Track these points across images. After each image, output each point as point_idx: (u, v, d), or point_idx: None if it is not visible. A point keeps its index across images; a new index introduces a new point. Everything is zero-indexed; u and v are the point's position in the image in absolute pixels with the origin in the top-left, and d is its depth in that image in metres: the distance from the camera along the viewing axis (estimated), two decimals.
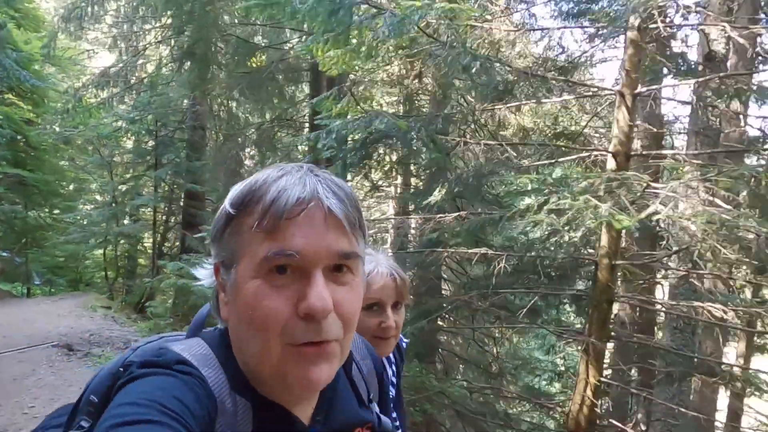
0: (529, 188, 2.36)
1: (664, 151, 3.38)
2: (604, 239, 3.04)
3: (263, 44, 10.14)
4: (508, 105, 3.15)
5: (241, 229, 0.61)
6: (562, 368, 8.57)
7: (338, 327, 0.61)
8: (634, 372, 8.02)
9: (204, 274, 0.69)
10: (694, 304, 3.68)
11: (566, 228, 2.09)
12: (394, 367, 1.45)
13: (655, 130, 4.95)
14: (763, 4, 5.66)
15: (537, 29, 3.15)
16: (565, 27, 3.40)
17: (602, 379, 3.22)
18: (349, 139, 2.49)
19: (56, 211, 15.76)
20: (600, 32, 3.20)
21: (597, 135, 7.17)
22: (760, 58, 6.91)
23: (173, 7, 7.64)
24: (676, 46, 7.17)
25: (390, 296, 1.31)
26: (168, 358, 0.60)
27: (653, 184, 2.27)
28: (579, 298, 4.05)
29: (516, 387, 7.91)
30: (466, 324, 6.28)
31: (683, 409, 6.57)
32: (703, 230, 2.55)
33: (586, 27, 3.25)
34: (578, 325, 5.89)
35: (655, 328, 8.44)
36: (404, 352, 1.53)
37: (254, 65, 9.91)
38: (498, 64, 2.88)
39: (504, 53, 2.81)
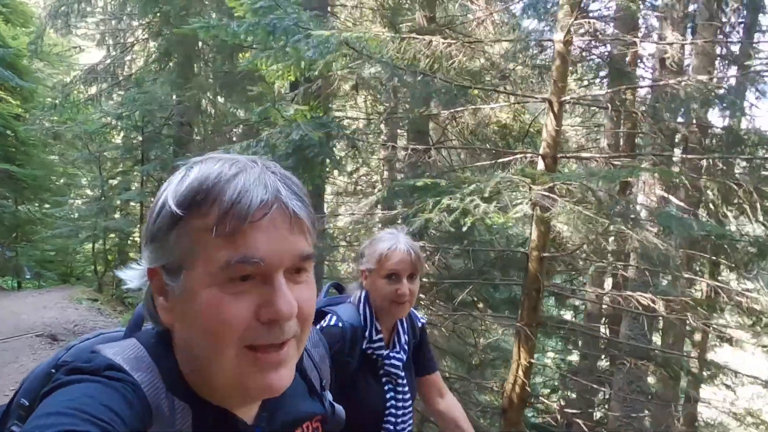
0: (440, 189, 2.66)
1: (584, 154, 3.69)
2: (534, 234, 3.36)
3: (246, 44, 10.39)
4: (451, 110, 3.45)
5: (191, 232, 0.57)
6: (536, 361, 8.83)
7: (296, 325, 0.60)
8: (605, 362, 8.40)
9: (131, 275, 0.65)
10: (623, 294, 3.98)
11: (454, 223, 2.39)
12: (406, 336, 1.62)
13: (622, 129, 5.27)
14: (716, 7, 5.93)
15: (474, 41, 3.43)
16: (497, 40, 3.68)
17: (532, 360, 3.54)
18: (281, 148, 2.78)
19: (47, 206, 16.00)
20: (530, 46, 3.49)
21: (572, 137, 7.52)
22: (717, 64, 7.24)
23: (152, 10, 7.88)
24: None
25: (406, 268, 1.50)
26: (96, 364, 0.58)
27: (534, 187, 2.56)
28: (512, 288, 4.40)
29: (495, 378, 8.21)
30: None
31: (641, 398, 6.96)
32: (573, 229, 2.86)
33: (519, 40, 3.54)
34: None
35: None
36: (419, 330, 1.69)
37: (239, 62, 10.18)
38: (439, 75, 3.19)
39: (446, 64, 3.09)
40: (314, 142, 2.44)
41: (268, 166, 0.60)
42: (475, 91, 3.61)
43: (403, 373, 1.56)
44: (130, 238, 14.39)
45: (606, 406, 7.65)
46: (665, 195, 6.36)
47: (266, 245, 0.56)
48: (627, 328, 7.12)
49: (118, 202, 13.21)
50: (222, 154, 0.62)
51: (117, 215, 14.26)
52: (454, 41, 3.19)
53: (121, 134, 13.89)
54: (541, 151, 3.40)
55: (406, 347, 1.60)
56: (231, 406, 0.63)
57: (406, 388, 1.57)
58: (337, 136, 2.78)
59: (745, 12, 6.88)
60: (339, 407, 0.80)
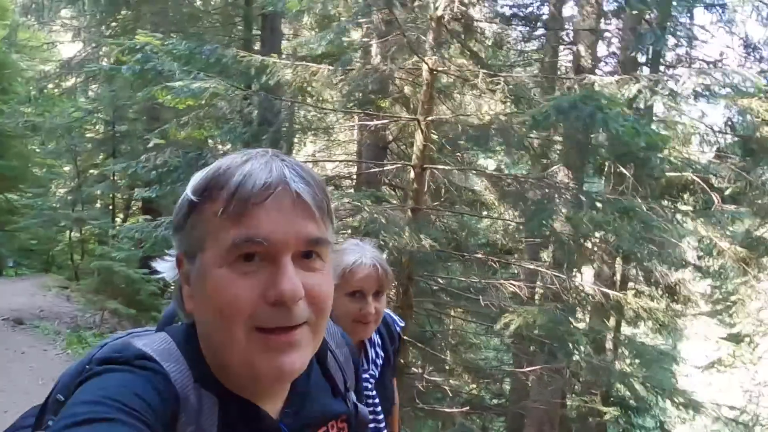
0: None
1: (440, 166, 4.37)
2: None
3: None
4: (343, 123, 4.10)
5: (204, 216, 0.60)
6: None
7: (309, 311, 0.60)
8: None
9: (166, 266, 0.68)
10: (501, 281, 4.67)
11: None
12: (378, 348, 1.56)
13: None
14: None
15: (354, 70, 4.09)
16: (378, 69, 4.33)
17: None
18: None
19: (29, 195, 16.53)
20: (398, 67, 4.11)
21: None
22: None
23: (114, 13, 8.41)
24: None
25: (372, 286, 1.42)
26: (128, 354, 0.60)
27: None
28: None
29: (457, 362, 8.83)
30: None
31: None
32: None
33: (397, 68, 4.18)
34: None
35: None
36: (396, 334, 1.64)
37: None
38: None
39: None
40: (179, 165, 3.11)
41: (278, 155, 0.62)
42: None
43: (373, 392, 1.49)
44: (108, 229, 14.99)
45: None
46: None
47: (270, 225, 0.57)
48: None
49: (99, 192, 13.77)
50: (246, 150, 0.65)
51: (98, 205, 14.86)
52: (336, 69, 3.85)
53: (97, 128, 14.44)
54: (412, 162, 4.09)
55: (378, 361, 1.54)
56: (254, 397, 0.64)
57: (378, 408, 1.51)
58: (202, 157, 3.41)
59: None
60: (363, 408, 0.80)
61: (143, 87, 3.81)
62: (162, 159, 3.15)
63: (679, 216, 8.35)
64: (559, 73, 5.52)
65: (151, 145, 3.46)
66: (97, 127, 14.13)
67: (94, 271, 8.12)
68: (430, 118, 3.97)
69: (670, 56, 9.28)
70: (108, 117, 12.26)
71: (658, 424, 11.93)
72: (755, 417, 13.50)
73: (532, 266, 4.22)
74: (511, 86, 3.50)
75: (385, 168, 4.23)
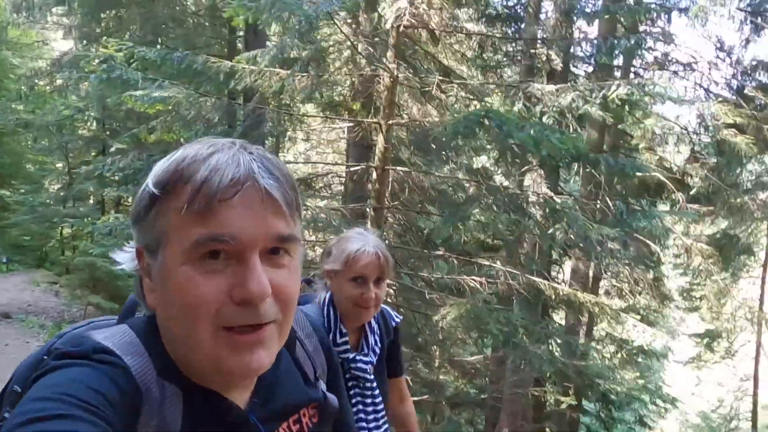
0: None
1: (399, 168, 4.60)
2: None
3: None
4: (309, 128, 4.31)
5: (167, 211, 0.58)
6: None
7: (276, 309, 0.60)
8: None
9: (124, 257, 0.66)
10: (463, 277, 4.89)
11: None
12: (377, 336, 1.59)
13: None
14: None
15: (325, 80, 4.30)
16: (350, 74, 4.53)
17: None
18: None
19: (21, 191, 16.67)
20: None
21: None
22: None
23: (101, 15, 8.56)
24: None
25: (373, 272, 1.47)
26: (85, 348, 0.59)
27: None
28: None
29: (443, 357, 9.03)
30: None
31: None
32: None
33: (363, 74, 4.38)
34: None
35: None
36: (393, 328, 1.67)
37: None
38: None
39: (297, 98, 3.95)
40: (141, 167, 3.31)
41: (245, 147, 0.60)
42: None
43: (371, 377, 1.52)
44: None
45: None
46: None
47: (237, 223, 0.56)
48: (519, 308, 8.11)
49: (91, 189, 13.94)
50: (209, 138, 0.63)
51: (91, 201, 15.03)
52: (304, 75, 4.06)
53: (88, 125, 14.60)
54: (374, 164, 4.30)
55: (376, 349, 1.57)
56: (220, 389, 0.64)
57: (377, 392, 1.53)
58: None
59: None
60: (332, 396, 0.80)
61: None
62: (125, 162, 3.35)
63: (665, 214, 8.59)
64: (519, 78, 5.73)
65: (113, 149, 3.66)
66: (88, 124, 14.30)
67: (79, 267, 8.31)
68: (390, 122, 4.19)
69: (649, 57, 9.55)
70: (98, 115, 12.42)
71: (637, 418, 12.20)
72: (733, 410, 13.83)
73: (486, 263, 4.44)
74: (462, 94, 3.71)
75: (351, 168, 4.45)
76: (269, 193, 0.58)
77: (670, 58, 9.06)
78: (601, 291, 12.12)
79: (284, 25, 3.39)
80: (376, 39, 4.24)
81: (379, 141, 4.23)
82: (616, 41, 4.33)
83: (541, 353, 4.28)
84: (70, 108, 12.60)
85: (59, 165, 16.57)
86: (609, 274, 9.13)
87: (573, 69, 9.47)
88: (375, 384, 1.52)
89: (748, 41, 8.66)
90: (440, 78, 3.95)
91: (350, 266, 1.47)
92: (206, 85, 4.15)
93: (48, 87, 13.82)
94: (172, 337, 0.62)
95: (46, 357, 0.63)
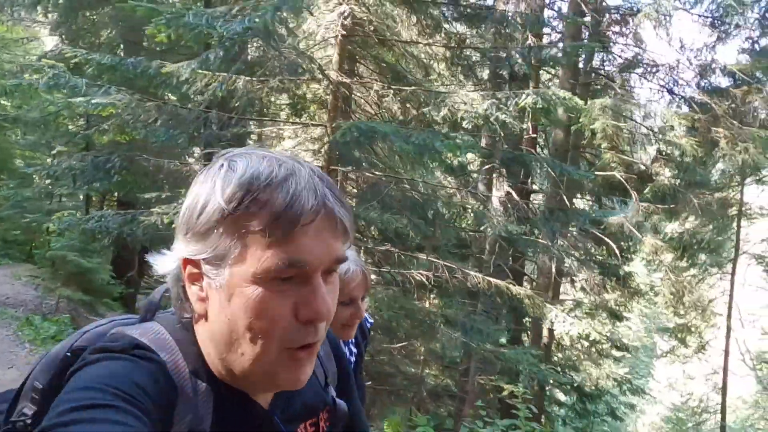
0: None
1: (340, 168, 4.85)
2: None
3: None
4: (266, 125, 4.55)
5: (239, 229, 0.59)
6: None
7: (325, 327, 0.64)
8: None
9: (162, 261, 0.67)
10: (410, 271, 5.14)
11: None
12: (352, 346, 1.63)
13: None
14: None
15: (277, 88, 4.54)
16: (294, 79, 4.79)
17: None
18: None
19: (11, 185, 16.82)
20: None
21: None
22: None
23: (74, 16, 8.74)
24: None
25: (361, 291, 1.50)
26: (124, 343, 0.61)
27: None
28: None
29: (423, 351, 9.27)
30: None
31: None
32: None
33: (310, 78, 4.63)
34: None
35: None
36: (367, 331, 1.72)
37: None
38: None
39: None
40: (84, 168, 3.58)
41: (314, 170, 0.63)
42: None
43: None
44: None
45: None
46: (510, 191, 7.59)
47: (312, 250, 0.59)
48: (483, 303, 8.36)
49: (55, 188, 14.05)
50: (265, 150, 0.64)
51: (81, 197, 15.19)
52: (257, 80, 4.29)
53: (75, 121, 14.75)
54: (320, 164, 4.55)
55: (352, 359, 1.62)
56: (251, 392, 0.67)
57: None
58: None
59: None
60: (340, 402, 0.82)
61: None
62: (68, 163, 3.59)
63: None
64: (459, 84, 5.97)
65: (55, 152, 3.89)
66: (74, 120, 14.44)
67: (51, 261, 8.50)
68: (334, 125, 4.44)
69: (622, 57, 9.81)
70: (81, 111, 12.57)
71: (609, 410, 12.50)
72: (702, 402, 14.17)
73: (425, 258, 4.70)
74: (398, 98, 3.95)
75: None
76: (341, 222, 0.61)
77: (639, 58, 9.33)
78: (577, 287, 12.45)
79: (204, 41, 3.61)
80: (313, 48, 4.46)
81: (324, 143, 4.48)
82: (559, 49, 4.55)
83: (455, 339, 4.53)
84: (54, 104, 12.76)
85: (48, 161, 16.74)
86: (568, 270, 9.39)
87: (544, 70, 9.76)
88: None
89: (710, 45, 8.93)
90: (378, 83, 4.20)
91: (341, 290, 1.36)
92: (164, 89, 4.37)
93: (33, 83, 13.95)
94: (221, 346, 0.63)
95: (69, 354, 0.66)
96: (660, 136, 6.46)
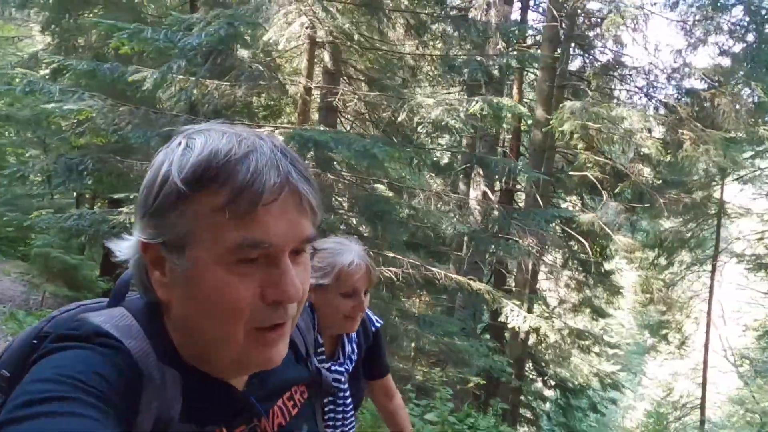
0: None
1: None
2: None
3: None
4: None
5: (198, 209, 0.57)
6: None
7: (295, 306, 0.62)
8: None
9: (123, 246, 0.65)
10: (381, 268, 5.36)
11: None
12: (354, 344, 1.60)
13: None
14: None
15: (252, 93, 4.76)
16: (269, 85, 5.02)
17: None
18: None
19: (4, 183, 16.94)
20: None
21: None
22: None
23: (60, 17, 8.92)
24: None
25: (364, 284, 1.49)
26: (86, 330, 0.59)
27: None
28: None
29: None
30: None
31: None
32: None
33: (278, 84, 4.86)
34: None
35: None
36: (372, 332, 1.68)
37: None
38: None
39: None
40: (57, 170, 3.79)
41: (277, 145, 0.60)
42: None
43: (344, 386, 1.55)
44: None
45: None
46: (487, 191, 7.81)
47: (276, 229, 0.57)
48: (460, 299, 8.61)
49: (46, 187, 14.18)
50: (226, 126, 0.62)
51: (75, 194, 15.34)
52: (229, 85, 4.50)
53: (66, 118, 14.88)
54: None
55: (353, 356, 1.60)
56: (224, 375, 0.65)
57: (348, 400, 1.55)
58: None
59: None
60: (326, 373, 0.82)
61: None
62: (41, 166, 3.79)
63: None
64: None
65: (28, 155, 4.09)
66: (66, 118, 14.55)
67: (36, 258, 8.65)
68: (306, 126, 4.65)
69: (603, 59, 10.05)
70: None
71: (590, 405, 12.76)
72: (682, 398, 14.45)
73: (391, 255, 4.91)
74: (358, 104, 4.16)
75: None
76: (305, 198, 0.59)
77: (614, 61, 9.57)
78: (561, 283, 12.70)
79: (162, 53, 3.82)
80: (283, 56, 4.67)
81: (292, 146, 4.69)
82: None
83: (409, 331, 4.76)
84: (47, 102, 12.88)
85: (42, 158, 16.82)
86: (552, 267, 9.62)
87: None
88: (348, 393, 1.55)
89: (684, 49, 9.16)
90: (343, 89, 4.41)
91: (343, 281, 1.46)
92: (140, 93, 4.57)
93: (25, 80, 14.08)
94: (188, 332, 0.62)
95: (36, 341, 0.65)
96: (627, 137, 6.68)
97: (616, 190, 8.30)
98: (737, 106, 6.62)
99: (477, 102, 3.69)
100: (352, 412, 1.58)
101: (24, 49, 17.27)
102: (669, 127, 6.95)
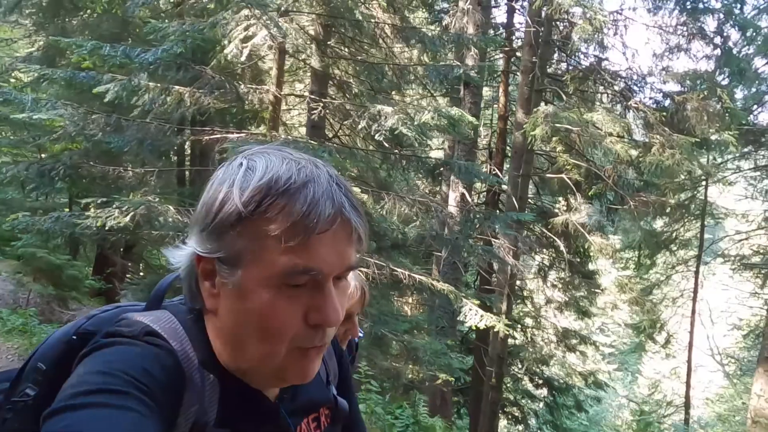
0: None
1: None
2: None
3: None
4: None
5: (255, 232, 0.59)
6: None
7: (333, 331, 0.66)
8: None
9: (178, 255, 0.67)
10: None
11: None
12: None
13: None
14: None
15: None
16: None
17: None
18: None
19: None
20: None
21: None
22: None
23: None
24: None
25: (358, 308, 1.46)
26: (137, 329, 0.62)
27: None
28: None
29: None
30: None
31: None
32: None
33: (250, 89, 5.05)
34: None
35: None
36: (355, 347, 1.65)
37: None
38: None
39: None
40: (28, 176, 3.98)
41: (332, 176, 0.63)
42: None
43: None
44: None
45: None
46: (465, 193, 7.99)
47: (326, 257, 0.60)
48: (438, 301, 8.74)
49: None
50: (284, 150, 0.65)
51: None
52: (200, 92, 4.69)
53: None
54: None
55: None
56: (259, 386, 0.68)
57: None
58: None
59: None
60: (342, 401, 0.85)
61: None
62: (12, 172, 3.99)
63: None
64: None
65: (0, 161, 4.28)
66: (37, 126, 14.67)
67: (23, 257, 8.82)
68: (273, 133, 4.84)
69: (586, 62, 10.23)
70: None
71: (574, 402, 12.96)
72: (665, 396, 14.64)
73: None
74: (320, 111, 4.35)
75: None
76: (356, 230, 0.62)
77: (600, 65, 9.74)
78: (548, 283, 12.89)
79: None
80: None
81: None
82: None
83: (364, 328, 4.93)
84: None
85: (13, 164, 16.88)
86: (541, 266, 9.79)
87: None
88: None
89: (660, 55, 9.34)
90: (311, 97, 4.59)
91: None
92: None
93: (20, 83, 14.25)
94: (232, 344, 0.65)
95: (75, 337, 0.68)
96: (598, 141, 6.86)
97: (591, 192, 8.48)
98: (704, 112, 6.79)
99: (428, 112, 3.89)
100: None
101: (20, 50, 17.46)
102: (641, 131, 7.12)
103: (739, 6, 9.24)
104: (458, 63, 4.75)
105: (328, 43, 5.21)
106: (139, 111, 4.11)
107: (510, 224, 5.79)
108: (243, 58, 3.67)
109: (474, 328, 4.74)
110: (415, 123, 3.85)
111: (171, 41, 3.42)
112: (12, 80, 14.08)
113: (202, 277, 0.65)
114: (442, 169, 6.70)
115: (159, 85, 3.97)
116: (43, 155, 12.79)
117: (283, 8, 3.75)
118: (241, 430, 0.66)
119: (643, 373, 22.19)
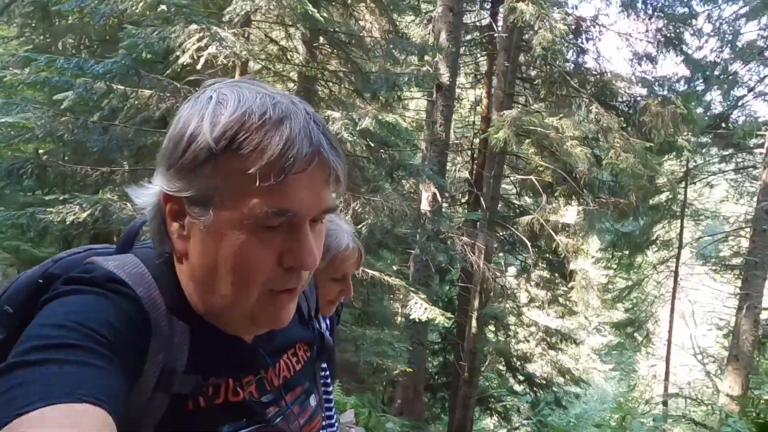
0: None
1: None
2: None
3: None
4: None
5: (228, 170, 0.56)
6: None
7: (309, 274, 0.64)
8: None
9: (142, 193, 0.64)
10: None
11: None
12: (327, 321, 1.53)
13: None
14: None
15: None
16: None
17: None
18: None
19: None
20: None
21: None
22: None
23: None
24: None
25: (354, 268, 1.42)
26: (99, 275, 0.60)
27: None
28: None
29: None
30: None
31: None
32: None
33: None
34: None
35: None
36: (340, 305, 1.59)
37: None
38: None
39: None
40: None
41: (309, 113, 0.59)
42: None
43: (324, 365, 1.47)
44: None
45: None
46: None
47: (302, 199, 0.58)
48: None
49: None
50: (257, 84, 0.61)
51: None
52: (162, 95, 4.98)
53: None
54: None
55: (325, 333, 1.47)
56: (233, 330, 0.67)
57: (327, 368, 1.49)
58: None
59: None
60: (328, 336, 0.86)
61: None
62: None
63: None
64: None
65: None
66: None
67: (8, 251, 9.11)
68: None
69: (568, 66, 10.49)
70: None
71: (554, 399, 13.20)
72: (643, 394, 14.90)
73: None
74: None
75: None
76: (335, 171, 0.60)
77: (577, 70, 10.01)
78: (532, 282, 13.15)
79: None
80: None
81: None
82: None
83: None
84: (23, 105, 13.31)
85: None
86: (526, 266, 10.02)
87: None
88: (327, 372, 1.49)
89: (633, 59, 9.59)
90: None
91: (336, 266, 1.38)
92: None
93: (15, 79, 14.55)
94: (203, 286, 0.63)
95: (41, 281, 0.66)
96: (558, 145, 7.13)
97: (556, 194, 8.74)
98: (662, 117, 7.04)
99: (368, 118, 4.16)
100: (331, 385, 1.58)
101: (18, 48, 17.80)
102: (602, 135, 7.40)
103: (717, 12, 9.49)
104: (397, 73, 5.00)
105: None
106: (106, 113, 4.37)
107: (463, 224, 6.05)
108: (199, 67, 3.94)
109: (418, 320, 5.02)
110: (357, 129, 4.13)
111: (121, 53, 3.69)
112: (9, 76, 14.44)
113: (170, 217, 0.63)
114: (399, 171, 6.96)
115: (121, 87, 4.24)
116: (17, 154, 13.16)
117: (235, 20, 3.99)
118: (213, 374, 0.65)
119: (638, 372, 22.41)
